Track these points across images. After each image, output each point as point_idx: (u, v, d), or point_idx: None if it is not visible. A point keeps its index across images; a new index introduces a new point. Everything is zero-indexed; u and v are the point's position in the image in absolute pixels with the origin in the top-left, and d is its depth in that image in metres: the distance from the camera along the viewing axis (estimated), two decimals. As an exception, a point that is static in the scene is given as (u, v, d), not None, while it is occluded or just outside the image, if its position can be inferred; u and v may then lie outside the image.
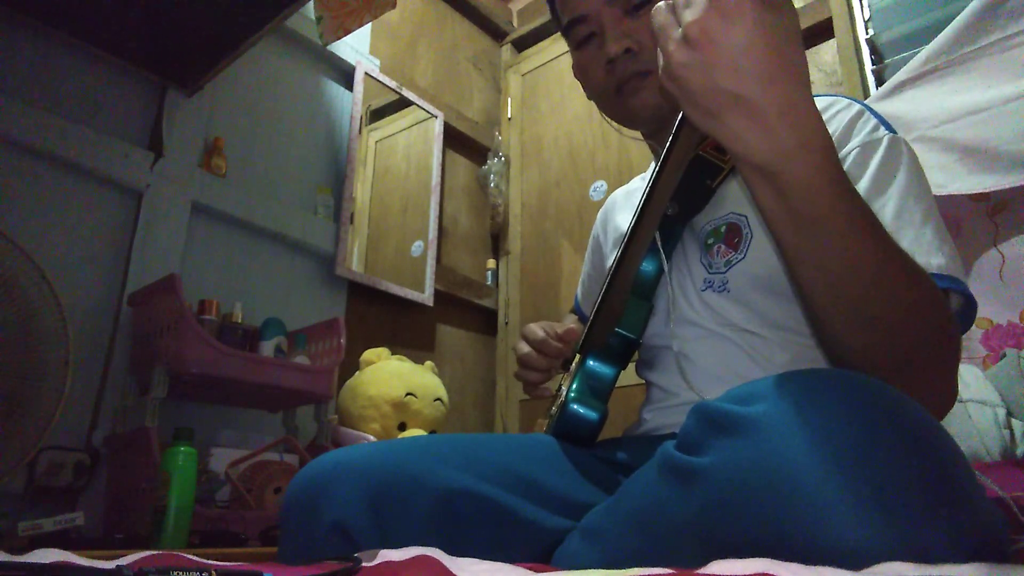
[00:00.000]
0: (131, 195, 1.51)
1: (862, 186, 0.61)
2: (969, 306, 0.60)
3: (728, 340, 0.71)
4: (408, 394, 1.66)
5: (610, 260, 0.93)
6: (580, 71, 0.79)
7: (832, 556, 0.33)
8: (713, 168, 0.74)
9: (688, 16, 0.44)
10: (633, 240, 0.69)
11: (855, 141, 0.65)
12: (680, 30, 0.44)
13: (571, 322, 1.07)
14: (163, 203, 1.53)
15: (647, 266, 0.73)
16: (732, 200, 0.73)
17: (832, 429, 0.37)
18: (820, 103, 0.71)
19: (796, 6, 1.87)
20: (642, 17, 0.72)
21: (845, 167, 0.62)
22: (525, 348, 0.85)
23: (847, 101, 0.70)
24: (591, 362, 0.75)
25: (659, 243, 0.74)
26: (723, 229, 0.72)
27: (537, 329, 0.85)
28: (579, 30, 0.76)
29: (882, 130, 0.65)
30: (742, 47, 0.42)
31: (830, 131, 0.66)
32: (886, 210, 0.59)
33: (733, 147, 0.46)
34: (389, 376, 1.68)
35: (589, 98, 0.81)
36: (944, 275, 0.56)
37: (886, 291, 0.49)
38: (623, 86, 0.74)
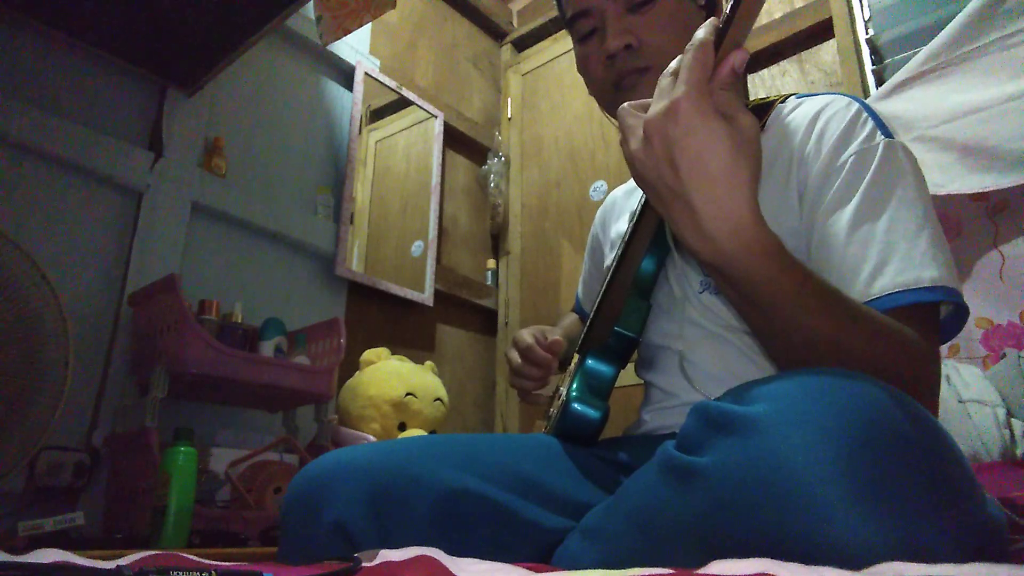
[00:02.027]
0: (131, 195, 1.51)
1: (855, 199, 0.61)
2: (959, 313, 0.60)
3: (726, 341, 0.72)
4: (408, 394, 1.66)
5: (609, 259, 0.93)
6: (582, 65, 0.80)
7: (832, 556, 0.33)
8: None
9: (646, 114, 0.47)
10: (633, 240, 0.70)
11: (851, 148, 0.64)
12: (640, 125, 0.48)
13: (570, 321, 1.07)
14: (163, 203, 1.53)
15: (646, 265, 0.73)
16: None
17: (832, 428, 0.37)
18: (818, 101, 0.71)
19: (796, 6, 1.89)
20: (645, 14, 0.72)
21: (840, 176, 0.63)
22: (516, 357, 0.85)
23: (846, 100, 0.69)
24: (590, 361, 0.75)
25: (659, 243, 0.74)
26: None
27: (526, 336, 0.86)
28: (582, 24, 0.76)
29: (879, 135, 0.64)
30: (683, 147, 0.45)
31: (828, 133, 0.66)
32: (879, 224, 0.60)
33: (680, 238, 0.49)
34: (389, 376, 1.68)
35: (591, 93, 0.81)
36: (937, 287, 0.56)
37: (844, 355, 0.50)
38: (621, 81, 0.74)
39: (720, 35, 0.46)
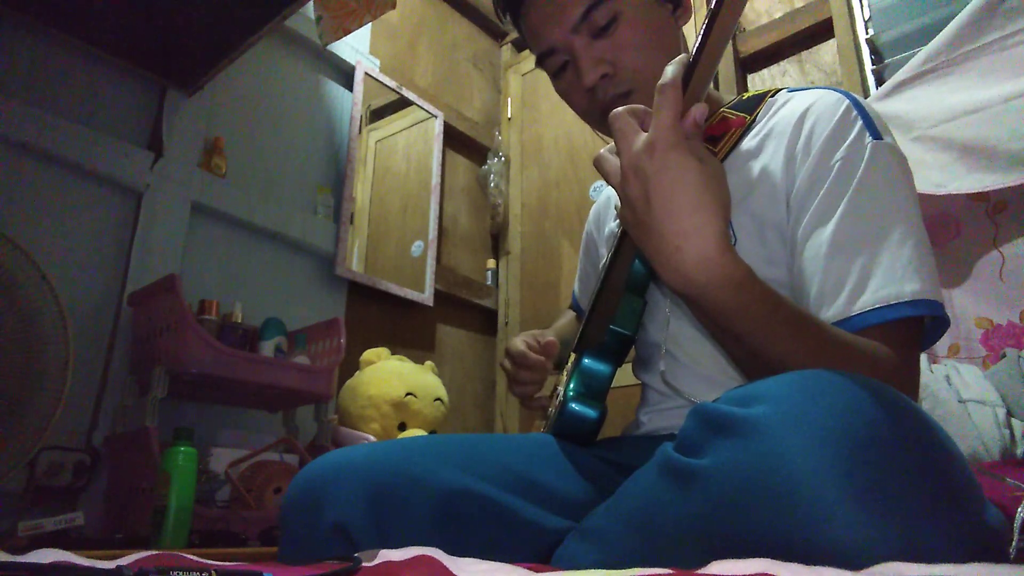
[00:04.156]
0: (131, 195, 1.51)
1: (839, 210, 0.61)
2: (940, 322, 0.60)
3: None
4: (408, 394, 1.66)
5: (604, 257, 0.93)
6: (563, 97, 0.79)
7: (832, 556, 0.33)
8: None
9: (623, 148, 0.50)
10: (624, 239, 0.69)
11: (839, 152, 0.63)
12: (616, 166, 0.51)
13: (566, 321, 1.07)
14: (163, 203, 1.53)
15: (638, 265, 0.73)
16: None
17: (831, 430, 0.37)
18: (807, 97, 0.70)
19: (796, 6, 1.89)
20: (611, 36, 0.71)
21: (826, 183, 0.62)
22: (510, 365, 0.86)
23: (835, 97, 0.68)
24: (587, 360, 0.75)
25: None
26: None
27: (519, 343, 0.86)
28: (552, 61, 0.75)
29: (867, 137, 0.63)
30: (657, 183, 0.48)
31: (817, 132, 0.65)
32: (862, 236, 0.59)
33: (653, 268, 0.51)
34: (389, 376, 1.68)
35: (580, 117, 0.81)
36: (919, 301, 0.56)
37: None
38: (607, 110, 0.73)
39: (689, 71, 0.48)
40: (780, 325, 0.51)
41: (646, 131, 0.49)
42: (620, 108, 0.51)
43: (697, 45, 0.47)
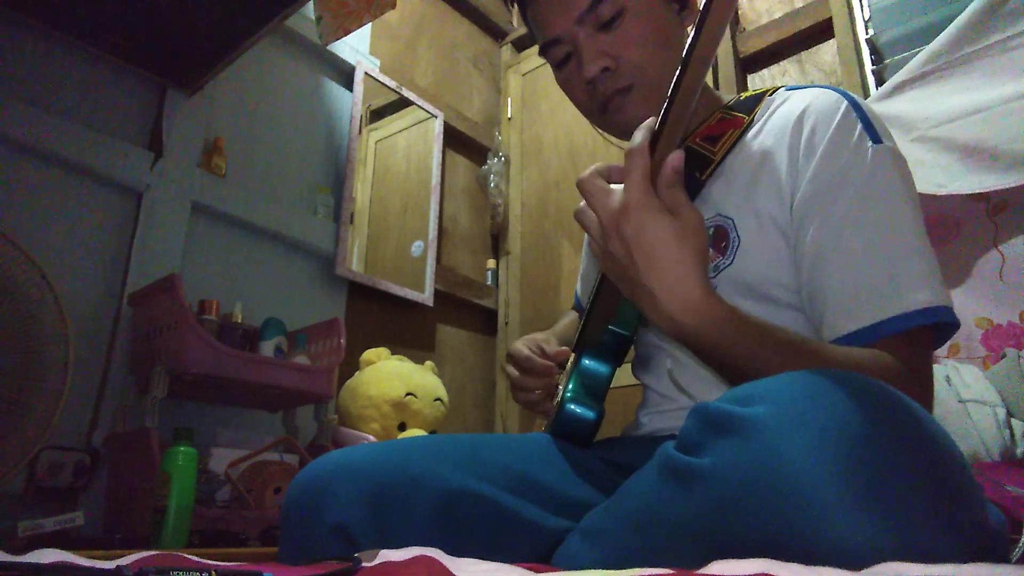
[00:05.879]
0: (131, 195, 1.51)
1: (843, 221, 0.61)
2: (949, 326, 0.60)
3: None
4: (408, 394, 1.66)
5: None
6: (563, 88, 0.79)
7: (832, 556, 0.33)
8: (702, 160, 0.73)
9: (599, 209, 0.53)
10: None
11: (840, 161, 0.63)
12: (597, 227, 0.54)
13: (567, 322, 1.07)
14: (163, 203, 1.53)
15: None
16: (719, 201, 0.72)
17: (832, 430, 0.37)
18: (805, 97, 0.70)
19: (796, 7, 1.89)
20: (616, 30, 0.71)
21: (828, 193, 0.62)
22: (515, 371, 0.84)
23: (834, 96, 0.67)
24: (586, 361, 0.75)
25: None
26: (710, 232, 0.71)
27: (522, 348, 0.84)
28: (556, 51, 0.75)
29: (867, 141, 0.63)
30: (637, 244, 0.51)
31: (817, 136, 0.65)
32: (867, 246, 0.59)
33: (647, 317, 0.55)
34: (389, 376, 1.68)
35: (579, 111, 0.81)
36: (928, 309, 0.56)
37: None
38: (607, 104, 0.73)
39: (656, 134, 0.51)
40: (772, 352, 0.53)
41: (614, 182, 0.53)
42: (583, 173, 0.54)
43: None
